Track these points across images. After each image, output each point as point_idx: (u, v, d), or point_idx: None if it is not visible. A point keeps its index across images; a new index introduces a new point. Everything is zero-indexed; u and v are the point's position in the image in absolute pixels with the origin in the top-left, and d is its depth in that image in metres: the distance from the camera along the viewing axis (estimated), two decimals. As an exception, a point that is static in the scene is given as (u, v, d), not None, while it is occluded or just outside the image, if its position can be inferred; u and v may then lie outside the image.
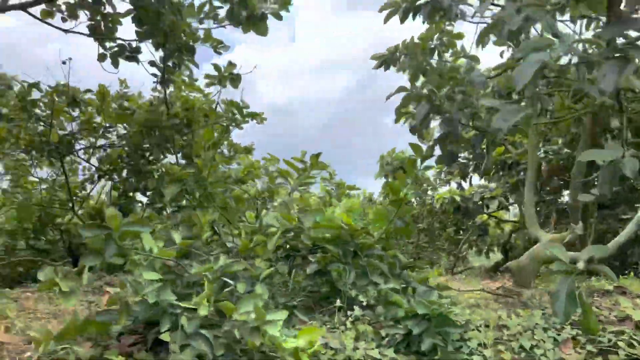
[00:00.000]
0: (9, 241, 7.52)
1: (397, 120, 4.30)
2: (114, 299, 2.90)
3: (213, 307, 2.81)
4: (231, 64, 5.15)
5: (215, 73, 5.89)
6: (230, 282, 3.13)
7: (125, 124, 7.12)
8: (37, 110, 6.82)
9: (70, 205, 7.08)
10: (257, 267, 3.16)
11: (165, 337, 2.89)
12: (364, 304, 3.58)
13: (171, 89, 7.69)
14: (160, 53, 6.52)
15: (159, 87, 7.47)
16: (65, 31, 5.76)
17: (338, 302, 3.48)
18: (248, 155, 8.38)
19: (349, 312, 3.53)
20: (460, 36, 6.82)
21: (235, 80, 5.09)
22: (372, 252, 3.90)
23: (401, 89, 4.04)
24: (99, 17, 6.41)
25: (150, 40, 6.35)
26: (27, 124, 6.95)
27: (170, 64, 6.62)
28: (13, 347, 3.16)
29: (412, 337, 3.22)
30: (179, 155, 7.75)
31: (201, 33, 6.50)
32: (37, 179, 8.10)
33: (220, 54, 5.12)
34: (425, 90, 3.99)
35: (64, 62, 6.32)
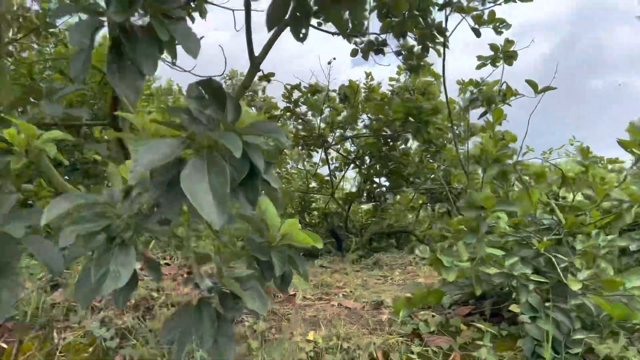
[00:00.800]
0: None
1: None
2: (462, 272, 3.13)
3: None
4: (509, 41, 5.07)
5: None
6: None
7: (370, 114, 7.62)
8: (298, 109, 7.72)
9: (330, 191, 7.88)
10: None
11: (514, 308, 3.03)
12: None
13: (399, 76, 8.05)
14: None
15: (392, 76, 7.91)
16: (333, 34, 6.35)
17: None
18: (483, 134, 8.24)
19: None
20: None
21: (512, 57, 5.03)
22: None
23: None
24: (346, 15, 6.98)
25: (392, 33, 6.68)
26: (289, 122, 7.93)
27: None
28: (364, 312, 3.64)
29: None
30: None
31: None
32: (293, 170, 9.23)
33: (501, 33, 5.08)
34: None
35: (329, 63, 7.04)
